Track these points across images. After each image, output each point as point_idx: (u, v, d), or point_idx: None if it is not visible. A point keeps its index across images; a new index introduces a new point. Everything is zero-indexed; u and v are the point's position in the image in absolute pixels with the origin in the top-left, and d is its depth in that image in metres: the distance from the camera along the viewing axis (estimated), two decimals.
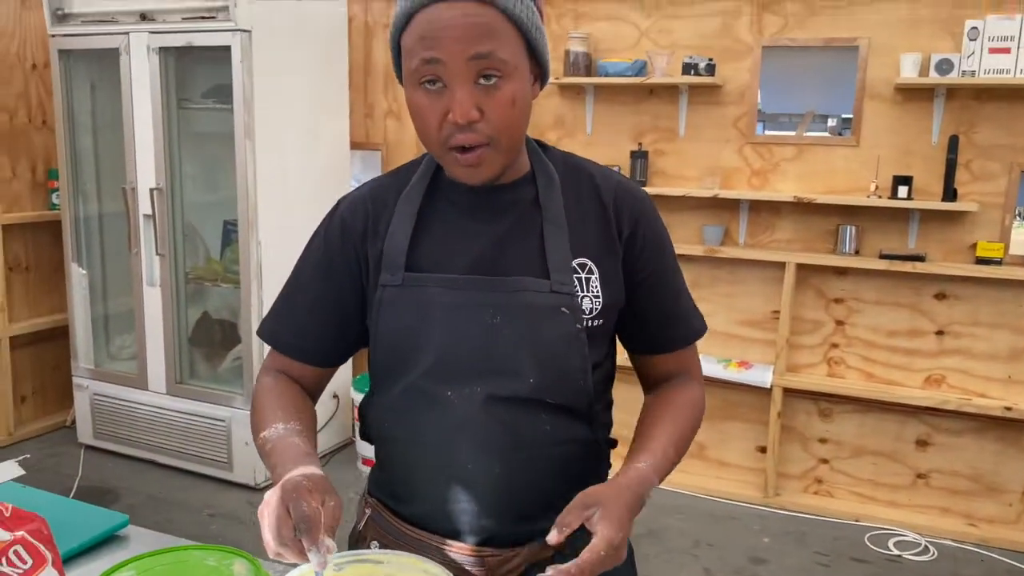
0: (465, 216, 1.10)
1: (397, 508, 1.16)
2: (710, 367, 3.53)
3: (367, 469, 3.76)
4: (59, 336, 4.13)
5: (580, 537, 1.15)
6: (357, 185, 4.27)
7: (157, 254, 3.58)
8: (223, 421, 3.56)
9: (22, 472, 1.39)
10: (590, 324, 1.09)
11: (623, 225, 1.12)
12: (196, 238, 3.84)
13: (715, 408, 3.67)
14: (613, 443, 1.21)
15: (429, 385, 1.08)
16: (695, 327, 1.22)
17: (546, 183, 1.11)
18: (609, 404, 1.20)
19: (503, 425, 1.07)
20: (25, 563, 0.90)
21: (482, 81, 0.97)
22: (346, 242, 1.14)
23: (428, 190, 1.12)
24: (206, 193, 3.86)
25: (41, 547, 0.93)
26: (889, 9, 3.23)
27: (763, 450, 3.62)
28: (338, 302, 1.15)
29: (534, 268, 1.08)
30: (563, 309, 1.07)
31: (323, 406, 3.86)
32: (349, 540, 1.24)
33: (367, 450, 3.77)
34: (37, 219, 4.04)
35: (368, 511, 1.20)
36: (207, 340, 3.81)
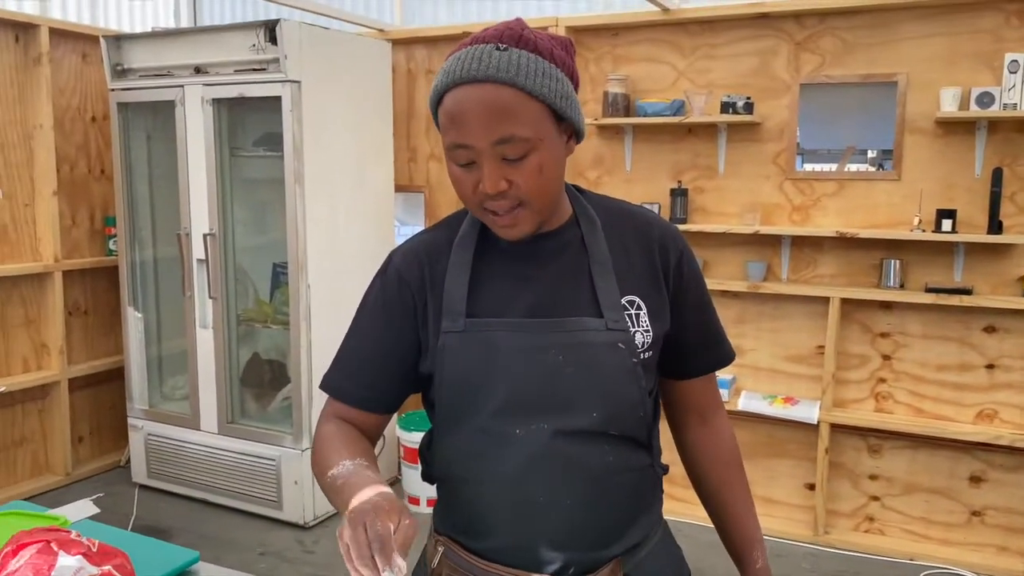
0: (517, 262, 1.17)
1: (469, 544, 1.20)
2: (755, 403, 3.51)
3: (413, 507, 3.79)
4: (115, 378, 4.26)
5: (645, 560, 1.20)
6: (399, 226, 4.30)
7: (210, 297, 3.69)
8: (273, 460, 3.62)
9: (97, 511, 1.44)
10: (643, 357, 1.16)
11: (669, 259, 1.20)
12: (246, 281, 3.95)
13: (761, 445, 3.65)
14: (665, 469, 1.27)
15: (497, 424, 1.13)
16: (729, 351, 1.32)
17: (589, 226, 1.19)
18: (659, 431, 1.26)
19: (570, 458, 1.13)
20: None
21: (509, 156, 1.05)
22: (403, 293, 1.19)
23: (479, 238, 1.19)
24: (256, 237, 3.97)
25: None
26: (927, 44, 3.25)
27: (811, 487, 3.58)
28: (397, 352, 1.20)
29: (587, 308, 1.15)
30: (619, 344, 1.14)
31: None
32: None
33: (414, 488, 3.80)
34: (95, 265, 4.20)
35: (440, 549, 1.23)
36: (257, 380, 3.89)
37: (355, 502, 0.99)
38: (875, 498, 3.52)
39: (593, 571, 1.16)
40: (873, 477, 3.51)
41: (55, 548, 0.93)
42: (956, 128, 3.24)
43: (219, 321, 3.71)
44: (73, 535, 0.97)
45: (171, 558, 1.25)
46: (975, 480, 3.35)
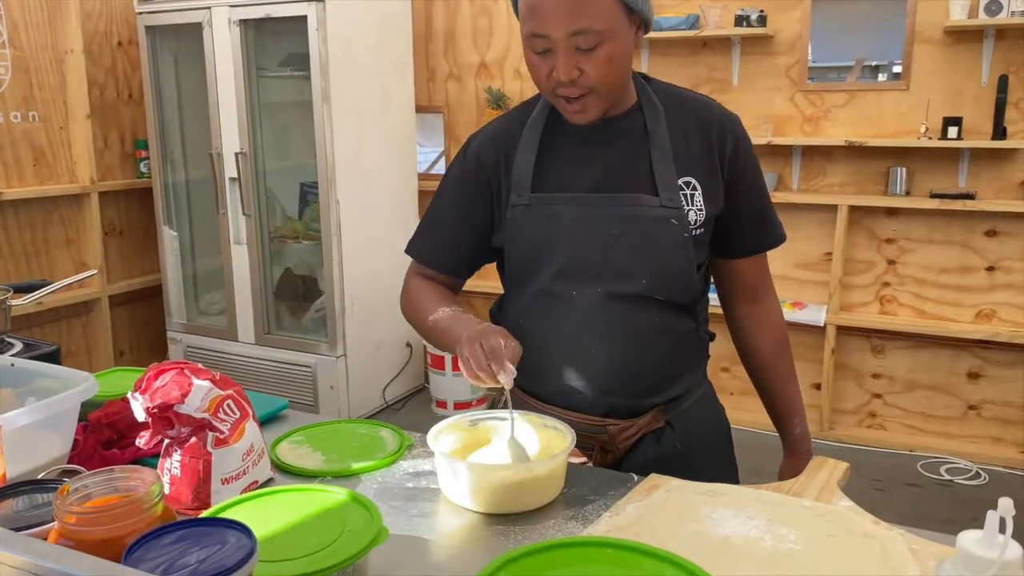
0: (582, 144, 1.30)
1: (530, 388, 1.38)
2: None
3: (441, 411, 4.02)
4: (151, 295, 4.46)
5: (686, 411, 1.36)
6: (422, 147, 4.43)
7: (244, 214, 3.85)
8: (309, 367, 3.84)
9: None
10: (695, 233, 1.29)
11: (726, 143, 1.30)
12: (274, 201, 4.10)
13: None
14: (712, 336, 1.42)
15: (557, 286, 1.30)
16: (780, 231, 1.42)
17: (652, 112, 1.30)
18: (707, 300, 1.41)
19: (619, 318, 1.28)
20: (235, 414, 1.14)
21: (581, 47, 1.15)
22: (480, 172, 1.35)
23: (547, 122, 1.32)
24: (281, 160, 4.10)
25: (244, 403, 1.17)
26: None
27: (818, 387, 3.78)
28: (471, 223, 1.37)
29: (645, 187, 1.27)
30: (672, 220, 1.26)
31: (397, 354, 4.13)
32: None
33: (440, 392, 4.03)
34: (128, 187, 4.34)
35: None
36: (291, 294, 4.09)
37: (468, 330, 1.19)
38: (877, 395, 3.73)
39: (637, 416, 1.33)
40: (876, 376, 3.71)
41: (188, 374, 1.11)
42: (964, 37, 3.33)
43: (252, 237, 3.88)
44: (200, 367, 1.16)
45: (265, 404, 1.45)
46: (973, 376, 3.55)
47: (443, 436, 1.21)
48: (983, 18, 3.19)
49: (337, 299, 3.73)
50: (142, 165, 4.36)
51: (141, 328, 4.57)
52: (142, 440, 1.09)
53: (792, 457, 1.44)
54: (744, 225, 1.37)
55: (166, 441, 1.11)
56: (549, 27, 1.14)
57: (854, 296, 3.70)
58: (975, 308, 3.51)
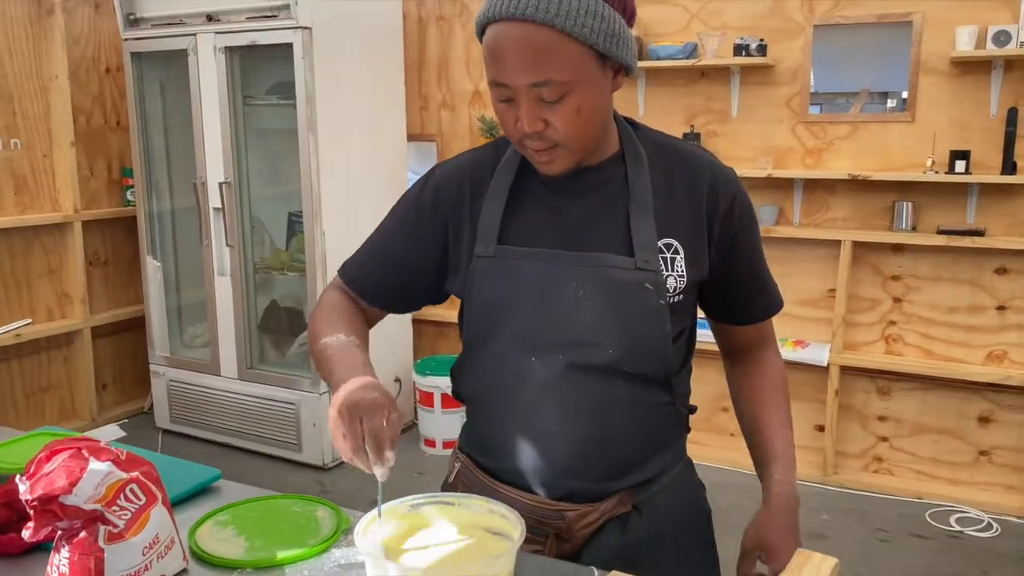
0: (555, 194, 1.16)
1: (485, 463, 1.24)
2: None
3: (429, 450, 3.88)
4: (136, 326, 4.34)
5: (657, 494, 1.21)
6: (412, 177, 4.30)
7: (227, 245, 3.74)
8: (292, 404, 3.71)
9: (124, 434, 1.50)
10: (673, 301, 1.14)
11: (719, 202, 1.16)
12: (262, 230, 3.99)
13: None
14: (692, 409, 1.26)
15: (515, 352, 1.15)
16: (777, 299, 1.28)
17: (635, 163, 1.15)
18: (689, 371, 1.25)
19: (582, 391, 1.13)
20: (140, 500, 1.01)
21: (545, 98, 1.03)
22: (437, 208, 1.20)
23: (520, 167, 1.18)
24: (270, 187, 4.01)
25: (152, 487, 1.04)
26: None
27: (821, 428, 3.62)
28: (413, 260, 1.22)
29: (619, 246, 1.13)
30: (647, 285, 1.11)
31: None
32: (440, 490, 1.33)
33: (429, 430, 3.88)
34: (114, 215, 4.25)
35: (458, 465, 1.28)
36: (275, 327, 3.96)
37: (347, 390, 1.01)
38: (884, 439, 3.56)
39: (599, 500, 1.17)
40: (882, 418, 3.55)
41: (86, 455, 0.98)
42: (972, 68, 3.20)
43: (236, 269, 3.76)
44: (103, 444, 1.03)
45: (193, 475, 1.32)
46: (984, 420, 3.38)
47: (377, 526, 1.07)
48: (991, 49, 3.06)
49: None
50: (129, 193, 4.27)
51: (125, 361, 4.45)
52: (27, 532, 0.96)
53: (766, 511, 1.19)
54: (740, 293, 1.23)
55: (59, 531, 0.98)
56: (508, 76, 1.02)
57: (858, 335, 3.55)
58: (985, 349, 3.35)
